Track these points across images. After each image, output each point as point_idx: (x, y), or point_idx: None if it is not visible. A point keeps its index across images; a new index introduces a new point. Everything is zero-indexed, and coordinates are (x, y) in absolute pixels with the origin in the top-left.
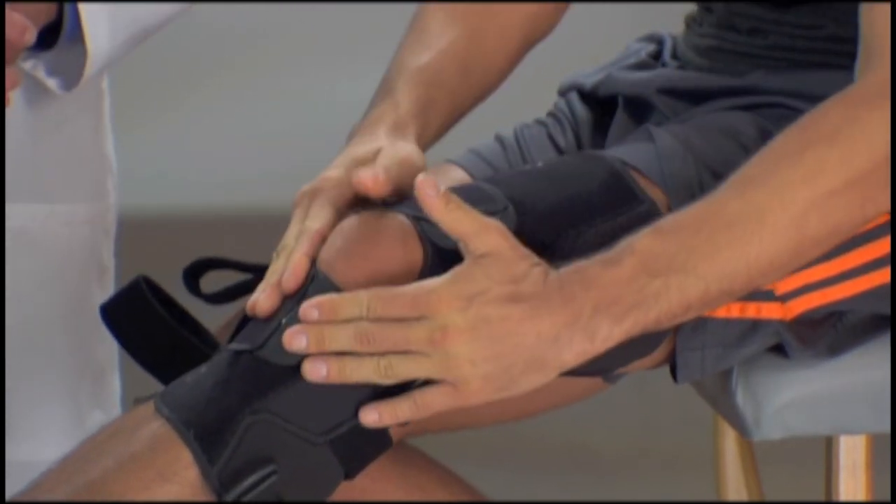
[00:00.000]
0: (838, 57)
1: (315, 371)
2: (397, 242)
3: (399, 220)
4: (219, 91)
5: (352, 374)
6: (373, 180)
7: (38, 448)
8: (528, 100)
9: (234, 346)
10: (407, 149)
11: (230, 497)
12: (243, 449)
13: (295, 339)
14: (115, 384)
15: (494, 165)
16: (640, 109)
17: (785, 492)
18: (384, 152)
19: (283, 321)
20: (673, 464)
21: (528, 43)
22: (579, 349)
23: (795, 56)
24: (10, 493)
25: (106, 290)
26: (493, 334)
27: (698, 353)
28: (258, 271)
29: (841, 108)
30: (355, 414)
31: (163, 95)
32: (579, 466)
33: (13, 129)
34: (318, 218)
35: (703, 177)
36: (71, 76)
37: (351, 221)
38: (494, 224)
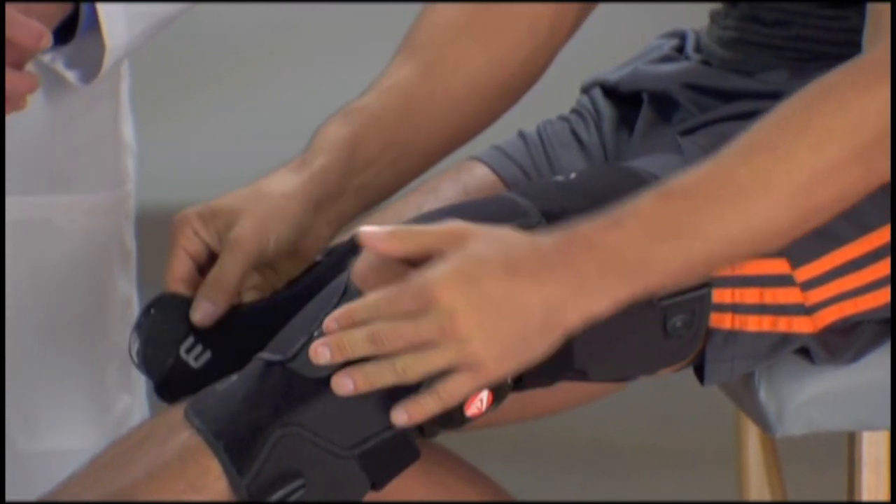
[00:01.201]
0: (859, 48)
1: (343, 386)
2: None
3: None
4: (238, 87)
5: (375, 379)
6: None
7: (66, 436)
8: (551, 97)
9: (266, 356)
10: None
11: None
12: (272, 462)
13: (319, 353)
14: None
15: (517, 161)
16: (664, 105)
17: (807, 489)
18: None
19: (315, 333)
20: (695, 461)
21: (504, 82)
22: (585, 310)
23: (817, 48)
24: (38, 484)
25: (130, 274)
26: (501, 313)
27: (728, 365)
28: None
29: (849, 77)
30: (383, 428)
31: (183, 92)
32: (601, 463)
33: (31, 121)
34: (172, 263)
35: None
36: (90, 68)
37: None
38: (447, 222)
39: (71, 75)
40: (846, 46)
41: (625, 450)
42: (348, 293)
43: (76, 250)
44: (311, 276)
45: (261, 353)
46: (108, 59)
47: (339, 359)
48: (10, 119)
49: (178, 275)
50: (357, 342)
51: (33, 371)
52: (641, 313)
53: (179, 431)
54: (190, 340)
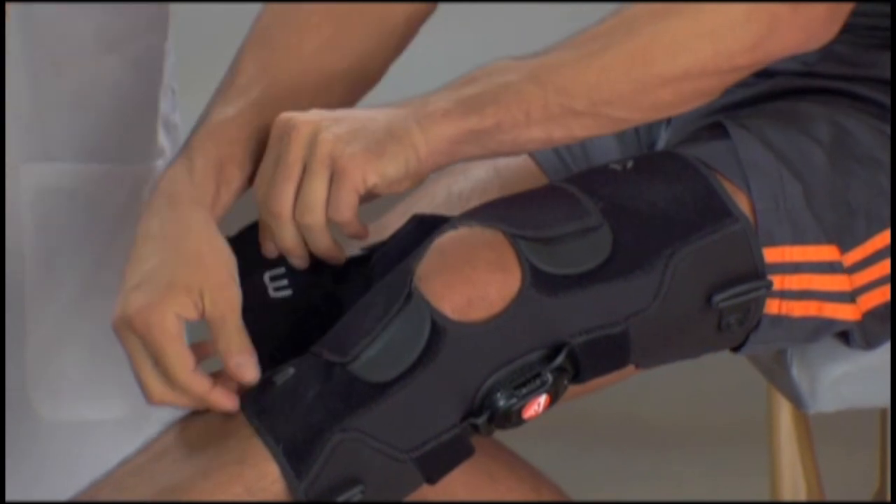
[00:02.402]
0: (888, 19)
1: (267, 251)
2: (496, 264)
3: (498, 238)
4: None
5: (278, 236)
6: None
7: (92, 407)
8: None
9: (327, 355)
10: None
11: None
12: (331, 467)
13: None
14: None
15: None
16: None
17: (840, 466)
18: None
19: (378, 337)
20: (727, 437)
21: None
22: (429, 130)
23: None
24: (63, 454)
25: None
26: (343, 115)
27: (768, 346)
28: None
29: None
30: (443, 431)
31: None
32: (633, 439)
33: (65, 87)
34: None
35: (782, 175)
36: None
37: (450, 237)
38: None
39: None
40: (875, 17)
41: (657, 426)
42: (413, 298)
43: (104, 220)
44: (376, 260)
45: (317, 348)
46: None
47: (269, 237)
48: (44, 83)
49: (189, 366)
50: (262, 217)
51: (59, 341)
52: (699, 315)
53: (238, 430)
54: (281, 270)
